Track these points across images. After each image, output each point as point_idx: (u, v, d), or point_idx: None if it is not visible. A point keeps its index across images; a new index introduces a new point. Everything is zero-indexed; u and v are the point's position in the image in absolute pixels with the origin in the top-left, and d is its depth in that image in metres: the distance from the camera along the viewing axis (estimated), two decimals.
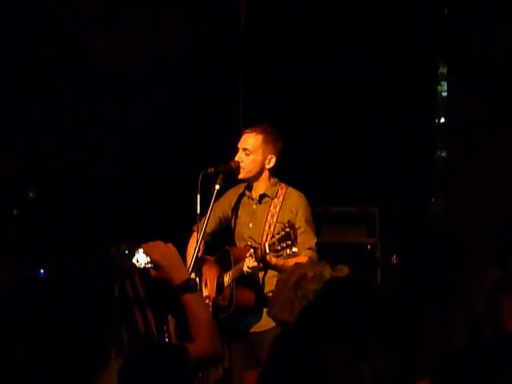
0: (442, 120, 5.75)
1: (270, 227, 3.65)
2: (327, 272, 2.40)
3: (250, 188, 3.85)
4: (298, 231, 3.51)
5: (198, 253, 3.63)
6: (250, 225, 3.78)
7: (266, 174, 3.79)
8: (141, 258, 2.21)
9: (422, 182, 5.60)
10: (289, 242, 3.28)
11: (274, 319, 2.42)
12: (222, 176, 3.72)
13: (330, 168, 5.41)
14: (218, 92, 5.57)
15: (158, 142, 5.42)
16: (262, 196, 3.80)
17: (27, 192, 4.25)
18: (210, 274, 3.86)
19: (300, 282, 2.35)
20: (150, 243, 2.23)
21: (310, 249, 3.63)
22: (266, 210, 3.74)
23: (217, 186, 3.70)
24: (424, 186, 5.63)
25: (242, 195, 3.87)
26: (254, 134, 3.76)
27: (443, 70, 5.63)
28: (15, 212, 4.21)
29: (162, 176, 5.31)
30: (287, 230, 3.31)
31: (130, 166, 5.34)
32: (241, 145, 3.78)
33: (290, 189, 3.80)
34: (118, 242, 2.23)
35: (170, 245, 2.25)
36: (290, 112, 5.36)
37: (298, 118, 5.42)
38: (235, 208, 3.86)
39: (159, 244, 2.23)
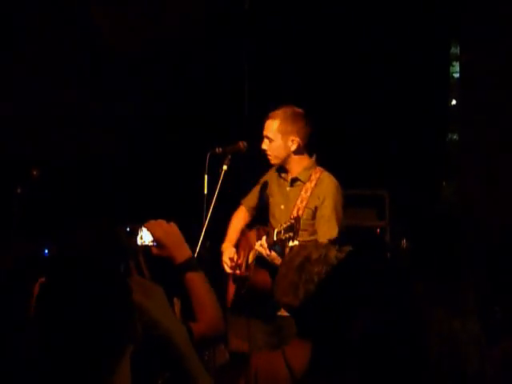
0: (454, 102, 5.66)
1: (298, 211, 3.59)
2: (332, 254, 2.30)
3: (285, 170, 3.79)
4: (322, 219, 3.52)
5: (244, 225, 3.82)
6: (282, 206, 3.75)
7: (295, 156, 3.70)
8: (144, 236, 2.20)
9: (434, 166, 5.53)
10: (291, 234, 3.25)
11: (278, 302, 2.33)
12: (229, 156, 3.69)
13: (341, 151, 5.34)
14: (222, 71, 5.50)
15: (164, 121, 5.37)
16: (294, 180, 3.74)
17: (31, 170, 4.27)
18: (245, 247, 3.86)
19: (304, 264, 2.26)
20: (153, 221, 2.21)
21: (329, 240, 3.53)
22: (298, 193, 3.68)
23: (224, 167, 3.67)
24: (435, 169, 5.57)
25: (279, 176, 3.82)
26: (271, 119, 3.70)
27: (455, 49, 5.53)
28: (19, 190, 4.23)
29: (166, 156, 5.27)
30: (292, 221, 3.28)
31: (134, 145, 5.31)
32: (264, 132, 3.72)
33: (325, 174, 3.70)
34: (123, 221, 2.22)
35: (172, 223, 2.23)
36: (298, 93, 5.27)
37: (308, 99, 5.32)
38: (273, 187, 3.83)
39: (162, 222, 2.21)
